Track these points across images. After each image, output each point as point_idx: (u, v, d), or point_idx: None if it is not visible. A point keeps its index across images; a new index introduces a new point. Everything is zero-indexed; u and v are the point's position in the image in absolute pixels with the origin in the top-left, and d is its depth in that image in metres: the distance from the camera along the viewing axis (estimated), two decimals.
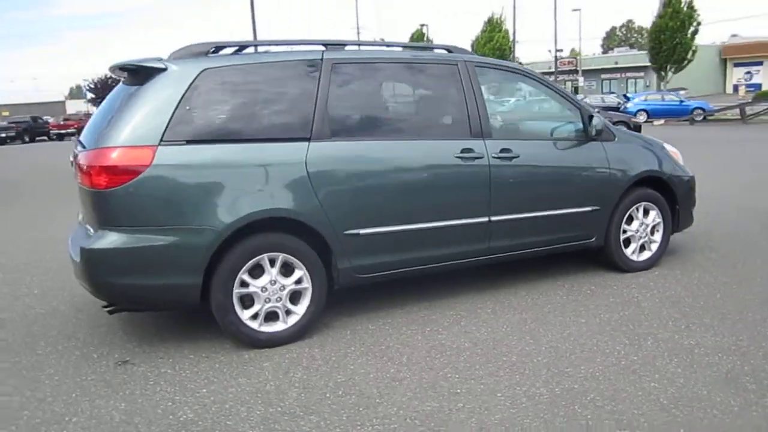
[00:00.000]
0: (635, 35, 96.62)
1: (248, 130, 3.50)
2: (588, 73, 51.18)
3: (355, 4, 62.25)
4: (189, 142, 3.32)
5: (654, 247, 4.79)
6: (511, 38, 43.65)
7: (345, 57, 3.80)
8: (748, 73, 48.50)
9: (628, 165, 4.58)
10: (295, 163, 3.51)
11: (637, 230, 4.70)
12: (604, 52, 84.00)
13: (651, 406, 2.74)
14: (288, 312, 3.58)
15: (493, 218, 4.06)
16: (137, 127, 3.26)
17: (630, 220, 4.66)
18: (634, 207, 4.64)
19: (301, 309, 3.60)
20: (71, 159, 3.84)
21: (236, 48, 3.84)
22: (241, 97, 3.54)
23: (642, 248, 4.76)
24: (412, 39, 58.07)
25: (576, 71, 49.60)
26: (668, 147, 4.97)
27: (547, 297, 4.26)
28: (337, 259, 3.65)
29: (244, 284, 3.46)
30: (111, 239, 3.24)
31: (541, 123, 4.42)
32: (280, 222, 3.49)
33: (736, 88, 44.45)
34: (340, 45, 3.87)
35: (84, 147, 3.56)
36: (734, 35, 59.10)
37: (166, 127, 3.27)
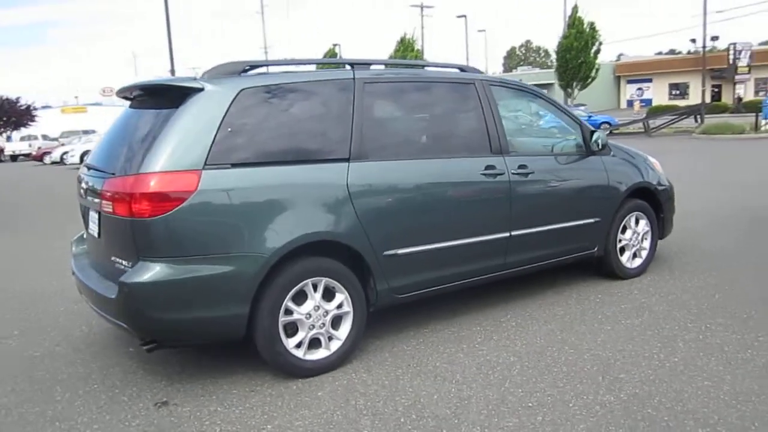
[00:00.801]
0: (533, 54, 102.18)
1: (290, 151, 3.41)
2: None
3: (262, 21, 61.34)
4: (233, 165, 3.19)
5: (644, 254, 5.08)
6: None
7: (374, 76, 3.79)
8: (639, 89, 52.26)
9: (624, 177, 4.85)
10: (337, 185, 3.44)
11: (630, 239, 4.97)
12: (506, 71, 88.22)
13: (716, 403, 2.90)
14: (329, 338, 3.49)
15: (513, 233, 4.16)
16: (179, 151, 3.08)
17: (624, 229, 4.92)
18: (627, 217, 4.90)
19: (342, 334, 3.52)
20: (83, 186, 3.58)
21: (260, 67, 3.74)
22: (280, 117, 3.44)
23: (634, 256, 5.03)
24: (324, 57, 58.44)
25: None
26: (650, 158, 5.30)
27: (561, 307, 4.40)
28: (376, 281, 3.61)
29: (288, 312, 3.34)
30: (155, 271, 3.03)
31: (547, 139, 4.59)
32: (325, 245, 3.41)
33: (630, 103, 47.64)
34: (366, 64, 3.86)
35: (104, 173, 3.35)
36: (621, 54, 64.06)
37: (209, 150, 3.12)
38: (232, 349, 3.63)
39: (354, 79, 3.65)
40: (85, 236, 4.05)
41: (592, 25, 32.58)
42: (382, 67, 4.02)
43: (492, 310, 4.38)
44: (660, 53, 69.48)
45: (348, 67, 3.77)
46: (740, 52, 39.90)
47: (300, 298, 3.38)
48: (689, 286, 4.70)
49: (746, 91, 42.62)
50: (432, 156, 3.92)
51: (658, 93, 50.94)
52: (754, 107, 26.67)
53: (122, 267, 3.19)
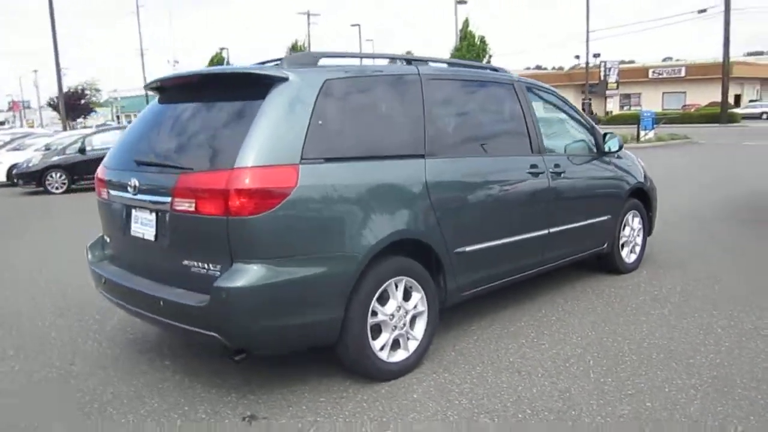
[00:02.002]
0: None
1: (374, 146, 3.28)
2: None
3: (137, 23, 57.87)
4: (326, 160, 3.01)
5: (638, 250, 5.42)
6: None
7: (435, 73, 3.74)
8: None
9: (629, 177, 5.16)
10: (418, 182, 3.36)
11: (629, 235, 5.28)
12: None
13: None
14: (407, 338, 3.39)
15: (551, 230, 4.28)
16: (276, 145, 2.87)
17: (624, 226, 5.22)
18: (627, 215, 5.21)
19: (418, 334, 3.43)
20: (130, 184, 3.21)
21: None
22: (361, 111, 3.31)
23: (630, 251, 5.35)
24: (211, 62, 56.35)
25: None
26: (638, 160, 5.67)
27: (586, 302, 4.57)
28: (447, 279, 3.56)
29: (373, 313, 3.20)
30: (256, 275, 2.77)
31: (565, 140, 4.76)
32: (407, 244, 3.31)
33: None
34: (423, 61, 3.80)
35: (170, 168, 3.04)
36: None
37: (304, 143, 2.92)
38: (282, 355, 3.45)
39: (419, 74, 3.58)
40: (109, 240, 3.64)
41: (482, 39, 34.11)
42: (439, 64, 3.97)
43: (523, 307, 4.46)
44: (528, 68, 73.83)
45: (402, 62, 3.72)
46: (610, 69, 43.61)
47: (383, 298, 3.25)
48: (688, 280, 5.04)
49: (614, 105, 46.77)
50: (488, 154, 3.95)
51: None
52: (623, 120, 29.28)
53: (204, 271, 2.91)
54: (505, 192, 3.94)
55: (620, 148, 4.93)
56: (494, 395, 3.10)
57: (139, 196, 3.18)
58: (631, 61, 54.46)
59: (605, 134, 4.92)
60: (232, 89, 3.17)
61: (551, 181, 4.25)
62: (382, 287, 3.20)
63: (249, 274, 2.77)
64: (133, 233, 3.30)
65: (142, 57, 55.96)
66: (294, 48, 45.80)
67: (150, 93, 3.93)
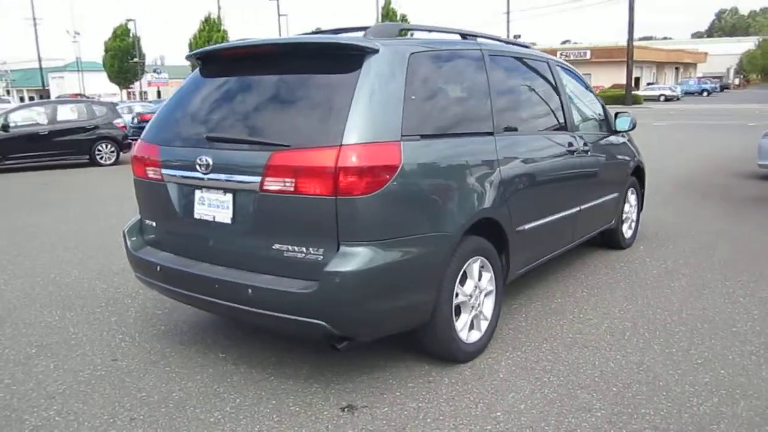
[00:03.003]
0: None
1: (456, 123, 3.24)
2: None
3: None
4: (422, 137, 2.90)
5: (633, 225, 5.67)
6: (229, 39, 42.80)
7: (495, 49, 3.69)
8: None
9: (632, 156, 5.38)
10: (493, 159, 3.33)
11: (628, 211, 5.52)
12: None
13: None
14: (479, 319, 3.38)
15: (582, 207, 4.39)
16: (379, 121, 2.73)
17: (624, 203, 5.44)
18: (627, 191, 5.44)
19: (488, 313, 3.42)
20: (199, 163, 2.95)
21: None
22: (442, 86, 3.23)
23: (628, 227, 5.59)
24: (114, 34, 52.89)
25: None
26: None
27: (606, 277, 4.75)
28: (510, 257, 3.56)
29: (455, 294, 3.16)
30: (367, 257, 2.64)
31: (587, 118, 4.85)
32: (483, 222, 3.27)
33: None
34: (474, 36, 3.73)
35: (260, 145, 2.81)
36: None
37: (402, 119, 2.80)
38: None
39: (481, 50, 3.53)
40: (156, 224, 3.35)
41: (404, 17, 34.03)
42: (490, 40, 3.91)
43: (550, 283, 4.57)
44: None
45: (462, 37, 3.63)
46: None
47: (462, 279, 3.21)
48: (687, 253, 5.33)
49: None
50: (537, 132, 3.99)
51: None
52: None
53: (302, 256, 2.74)
54: (551, 169, 3.99)
55: (633, 127, 5.10)
56: (577, 371, 3.16)
57: (212, 176, 2.93)
58: (533, 44, 56.34)
59: (616, 114, 5.08)
60: (315, 60, 2.98)
61: (582, 159, 4.35)
62: (464, 267, 3.17)
63: (359, 258, 2.64)
64: (197, 216, 3.06)
65: (35, 27, 51.61)
66: (207, 21, 43.97)
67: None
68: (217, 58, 3.35)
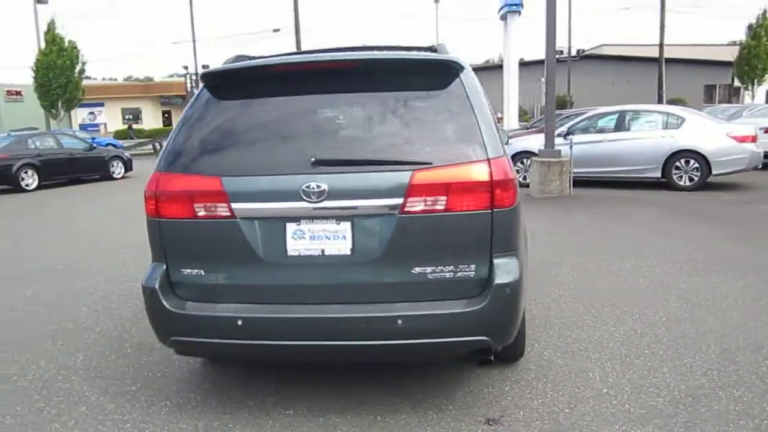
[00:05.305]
0: None
1: None
2: None
3: None
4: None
5: None
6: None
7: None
8: (92, 113, 47.32)
9: None
10: None
11: None
12: None
13: None
14: None
15: None
16: (496, 135, 2.70)
17: None
18: None
19: None
20: (311, 193, 2.58)
21: None
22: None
23: None
24: None
25: None
26: None
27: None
28: None
29: None
30: (519, 267, 2.68)
31: None
32: None
33: (85, 127, 42.25)
34: None
35: (393, 166, 2.61)
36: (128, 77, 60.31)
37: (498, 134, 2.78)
38: None
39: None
40: (207, 273, 2.77)
41: (72, 43, 29.82)
42: None
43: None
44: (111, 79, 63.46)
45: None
46: (195, 80, 37.12)
47: None
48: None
49: None
50: None
51: (111, 117, 47.73)
52: None
53: (451, 275, 2.61)
54: None
55: None
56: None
57: (326, 203, 2.58)
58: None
59: None
60: (408, 76, 2.82)
61: None
62: None
63: (515, 267, 2.65)
64: (292, 253, 2.65)
65: None
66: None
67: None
68: (278, 72, 2.92)
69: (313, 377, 3.24)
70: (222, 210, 2.67)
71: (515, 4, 23.47)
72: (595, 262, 5.44)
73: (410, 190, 2.55)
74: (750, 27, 31.53)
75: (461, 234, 2.60)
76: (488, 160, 2.59)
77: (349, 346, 2.63)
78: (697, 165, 9.85)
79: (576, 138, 10.39)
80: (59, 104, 29.52)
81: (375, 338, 2.58)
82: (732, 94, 37.52)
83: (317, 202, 2.57)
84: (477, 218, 2.58)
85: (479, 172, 2.57)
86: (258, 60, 3.09)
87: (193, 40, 34.60)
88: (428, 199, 2.55)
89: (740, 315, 3.97)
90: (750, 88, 31.52)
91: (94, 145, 18.08)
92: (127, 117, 48.12)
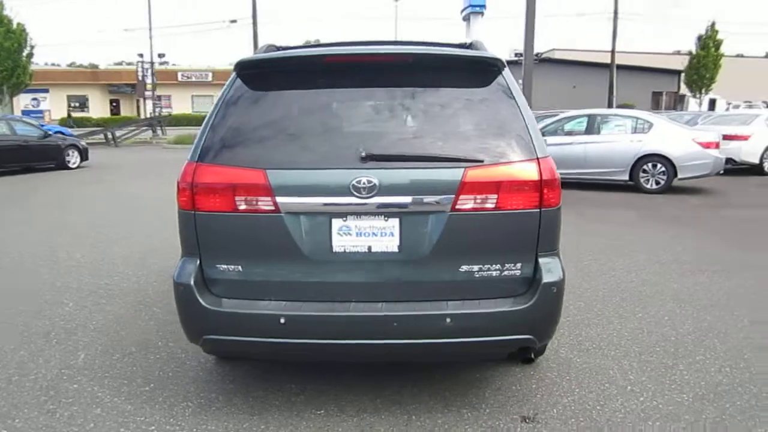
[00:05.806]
0: None
1: None
2: None
3: None
4: None
5: None
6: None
7: None
8: (35, 99, 44.80)
9: None
10: None
11: None
12: None
13: None
14: None
15: None
16: (539, 137, 2.69)
17: None
18: None
19: None
20: (361, 189, 2.52)
21: None
22: None
23: None
24: None
25: None
26: None
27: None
28: None
29: None
30: (561, 265, 2.69)
31: None
32: None
33: (28, 113, 39.68)
34: None
35: (445, 163, 2.58)
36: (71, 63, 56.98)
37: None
38: None
39: None
40: (246, 268, 2.67)
41: (21, 26, 28.90)
42: None
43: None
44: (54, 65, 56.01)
45: None
46: (147, 69, 36.65)
47: None
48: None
49: (146, 108, 40.07)
50: None
51: (56, 104, 45.42)
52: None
53: (497, 273, 2.61)
54: None
55: None
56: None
57: (376, 199, 2.52)
58: (164, 63, 51.62)
59: None
60: (457, 73, 2.79)
61: None
62: None
63: (558, 266, 2.66)
64: (337, 250, 2.58)
65: None
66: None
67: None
68: (326, 63, 2.80)
69: (333, 374, 3.18)
70: (265, 204, 2.57)
71: (479, 6, 23.55)
72: (587, 262, 5.55)
73: (462, 188, 2.53)
74: (699, 38, 33.21)
75: (509, 233, 2.59)
76: (537, 159, 2.59)
77: (395, 345, 2.57)
78: (663, 169, 10.17)
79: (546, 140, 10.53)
80: (4, 89, 28.10)
81: (423, 337, 2.54)
82: (677, 102, 39.02)
83: (367, 197, 2.51)
84: (525, 217, 2.58)
85: (529, 172, 2.57)
86: (306, 49, 3.00)
87: (150, 28, 33.54)
88: (479, 197, 2.53)
89: (736, 314, 4.11)
90: (698, 95, 33.05)
91: (50, 132, 17.20)
92: (72, 104, 46.10)
